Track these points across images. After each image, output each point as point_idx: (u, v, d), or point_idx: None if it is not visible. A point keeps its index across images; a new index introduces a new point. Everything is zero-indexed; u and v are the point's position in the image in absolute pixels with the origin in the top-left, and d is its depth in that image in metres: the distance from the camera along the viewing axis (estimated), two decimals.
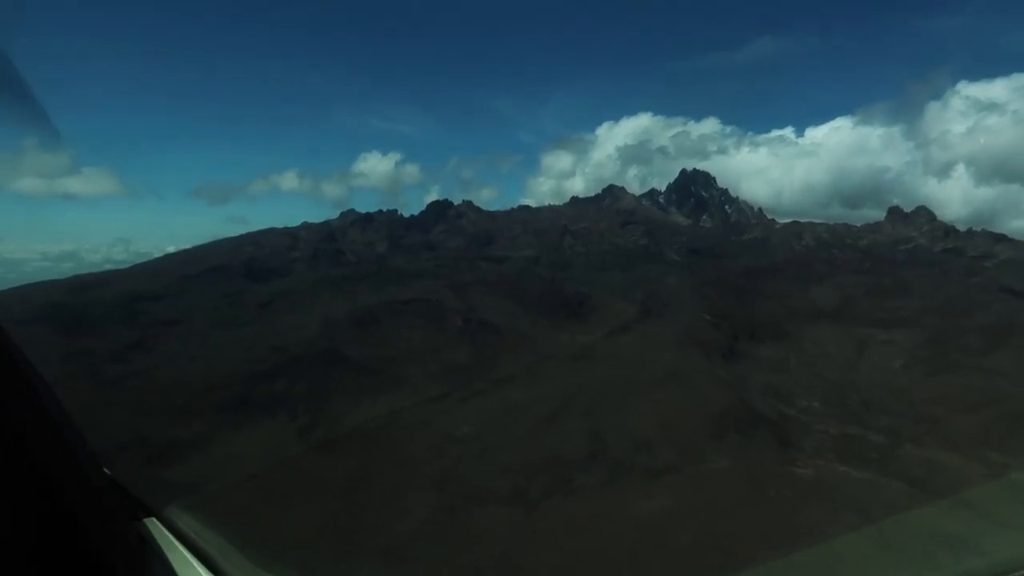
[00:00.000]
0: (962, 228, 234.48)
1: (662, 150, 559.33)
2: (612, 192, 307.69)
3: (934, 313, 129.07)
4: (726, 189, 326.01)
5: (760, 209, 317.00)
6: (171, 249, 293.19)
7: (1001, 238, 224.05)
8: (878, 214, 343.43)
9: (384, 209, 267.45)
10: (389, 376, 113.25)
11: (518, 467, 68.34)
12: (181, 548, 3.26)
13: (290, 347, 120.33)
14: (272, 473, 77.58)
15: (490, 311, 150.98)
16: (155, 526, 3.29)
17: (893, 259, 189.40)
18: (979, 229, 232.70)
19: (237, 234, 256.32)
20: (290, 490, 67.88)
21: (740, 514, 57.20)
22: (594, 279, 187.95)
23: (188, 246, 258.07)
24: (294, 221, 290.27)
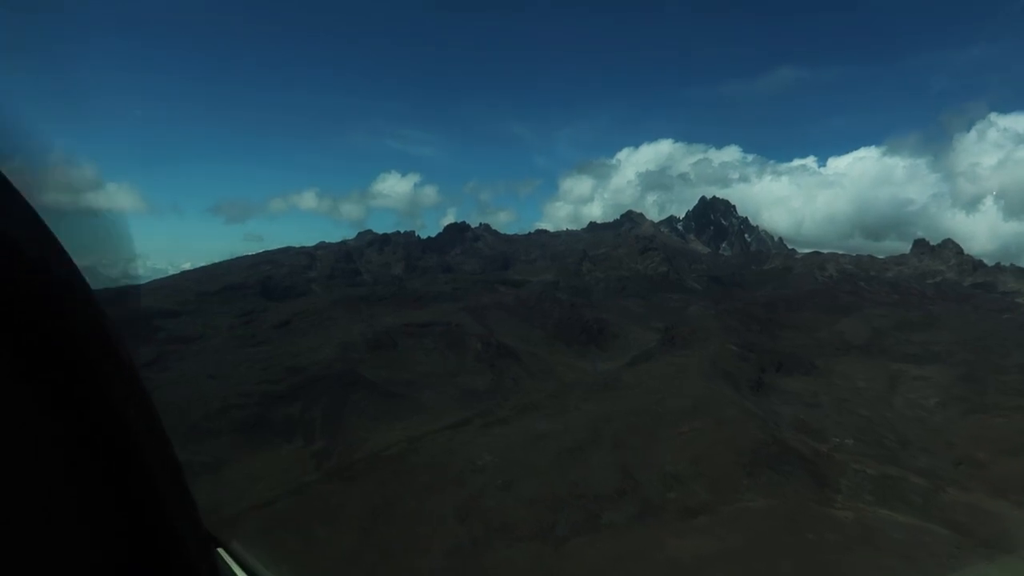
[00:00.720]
0: (989, 263, 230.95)
1: (683, 176, 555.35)
2: (631, 218, 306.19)
3: (967, 350, 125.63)
4: (746, 218, 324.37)
5: (780, 239, 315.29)
6: (187, 266, 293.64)
7: None
8: (901, 246, 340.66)
9: (401, 230, 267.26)
10: (407, 400, 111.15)
11: (544, 501, 65.73)
12: None
13: (307, 368, 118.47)
14: (289, 500, 75.34)
15: (509, 336, 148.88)
16: (221, 557, 3.27)
17: (921, 292, 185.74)
18: (1008, 264, 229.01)
19: (254, 252, 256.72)
20: (308, 519, 65.56)
21: (780, 558, 54.38)
22: (613, 305, 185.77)
23: (204, 263, 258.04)
24: (311, 240, 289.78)
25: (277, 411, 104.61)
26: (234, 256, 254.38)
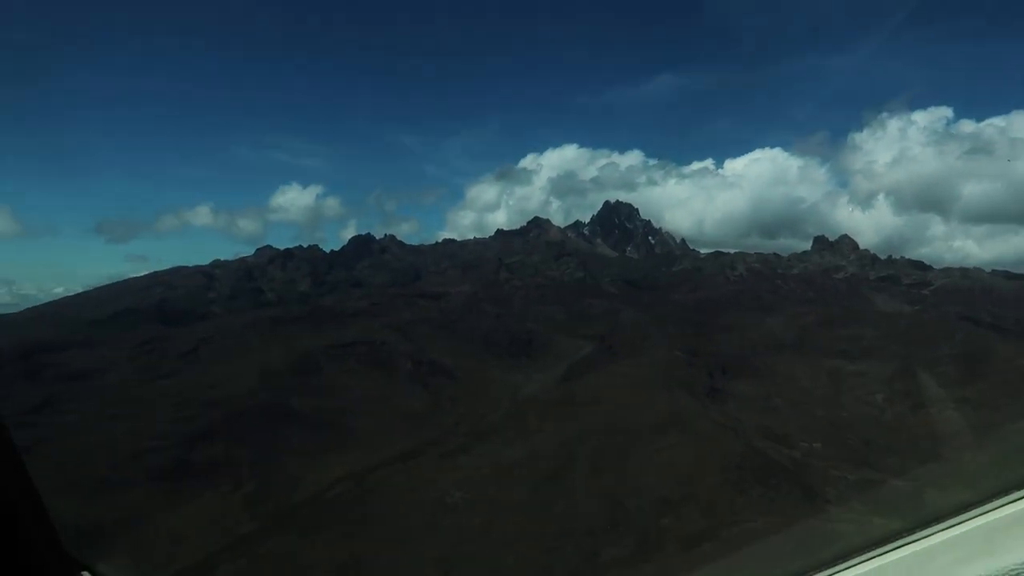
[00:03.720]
0: (881, 256, 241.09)
1: (595, 181, 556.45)
2: (538, 224, 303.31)
3: (894, 343, 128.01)
4: (649, 220, 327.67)
5: (683, 240, 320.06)
6: (60, 291, 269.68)
7: (920, 265, 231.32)
8: (794, 243, 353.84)
9: (304, 245, 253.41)
10: (341, 430, 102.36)
11: (532, 540, 59.57)
12: None
13: (226, 401, 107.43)
14: (232, 558, 66.08)
15: (437, 352, 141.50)
16: None
17: (835, 288, 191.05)
18: (898, 257, 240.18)
19: (141, 274, 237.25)
20: None
21: None
22: (536, 314, 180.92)
23: (80, 288, 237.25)
24: (202, 259, 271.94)
25: (198, 452, 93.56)
26: (116, 279, 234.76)
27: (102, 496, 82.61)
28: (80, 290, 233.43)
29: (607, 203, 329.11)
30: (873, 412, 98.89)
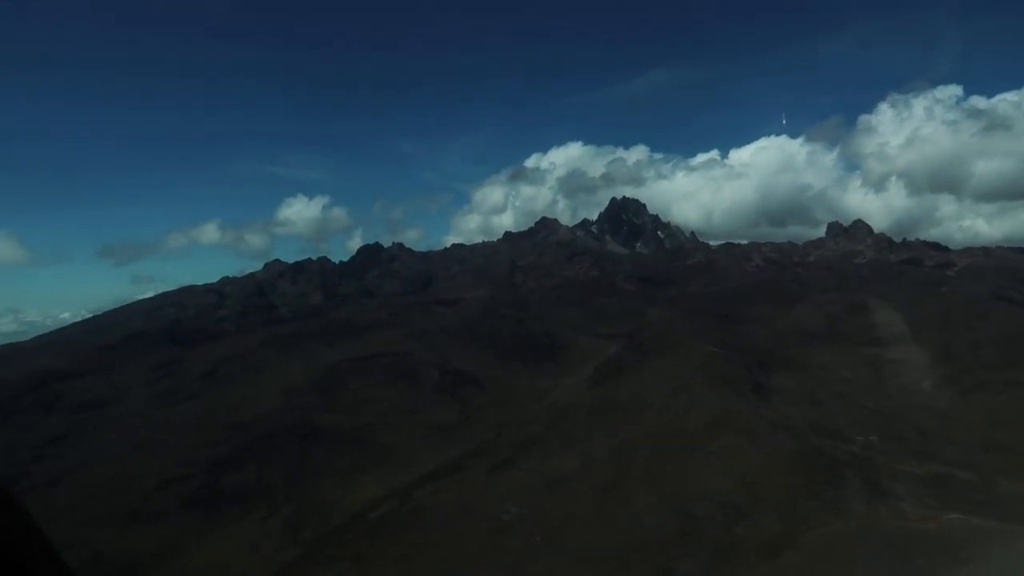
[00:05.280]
0: (896, 239, 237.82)
1: (605, 177, 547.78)
2: (546, 224, 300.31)
3: (930, 327, 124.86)
4: (657, 215, 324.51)
5: (693, 233, 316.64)
6: (66, 316, 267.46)
7: (937, 246, 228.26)
8: (803, 231, 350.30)
9: (313, 257, 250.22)
10: (374, 447, 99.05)
11: (600, 557, 56.33)
12: None
13: (252, 423, 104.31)
14: None
15: (460, 360, 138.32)
16: None
17: (858, 274, 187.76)
18: (913, 239, 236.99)
19: (148, 295, 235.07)
20: None
21: None
22: (555, 316, 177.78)
23: (86, 312, 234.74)
24: (209, 277, 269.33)
25: (228, 478, 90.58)
26: (123, 302, 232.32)
27: (136, 527, 79.84)
28: (87, 315, 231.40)
29: (614, 200, 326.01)
30: (922, 400, 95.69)
